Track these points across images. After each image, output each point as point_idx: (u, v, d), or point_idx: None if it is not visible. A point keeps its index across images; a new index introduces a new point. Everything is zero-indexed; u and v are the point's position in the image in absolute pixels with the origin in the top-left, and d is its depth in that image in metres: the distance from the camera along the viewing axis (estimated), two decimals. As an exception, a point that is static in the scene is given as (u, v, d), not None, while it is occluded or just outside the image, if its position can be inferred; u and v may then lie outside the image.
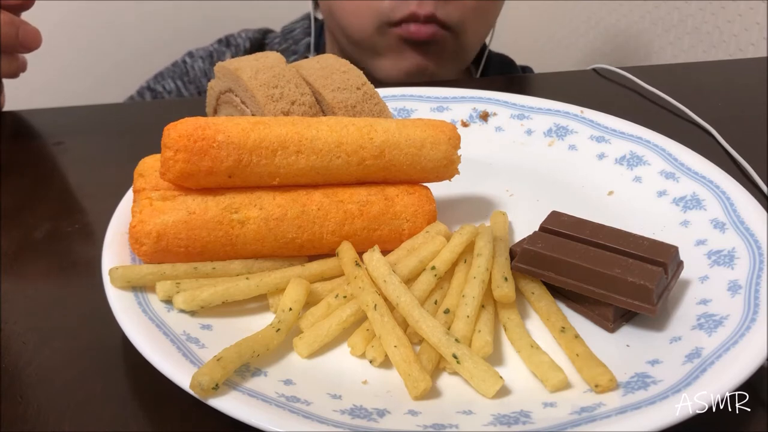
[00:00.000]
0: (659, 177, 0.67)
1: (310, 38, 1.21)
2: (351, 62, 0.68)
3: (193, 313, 0.51)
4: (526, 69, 1.31)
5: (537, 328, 0.52)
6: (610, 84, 0.98)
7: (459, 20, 1.01)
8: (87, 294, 0.56)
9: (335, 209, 0.56)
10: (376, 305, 0.49)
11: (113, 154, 0.81)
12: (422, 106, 0.82)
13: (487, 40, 1.20)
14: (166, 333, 0.48)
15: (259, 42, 1.28)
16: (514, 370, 0.48)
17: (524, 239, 0.56)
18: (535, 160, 0.74)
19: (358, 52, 1.07)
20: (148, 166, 0.58)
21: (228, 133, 0.53)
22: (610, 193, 0.68)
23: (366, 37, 1.03)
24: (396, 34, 1.00)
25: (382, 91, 0.80)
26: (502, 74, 1.25)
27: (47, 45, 0.84)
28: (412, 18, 0.98)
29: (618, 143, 0.73)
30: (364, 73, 0.67)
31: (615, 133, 0.74)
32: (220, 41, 1.29)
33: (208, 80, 1.07)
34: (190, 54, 1.27)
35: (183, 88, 1.24)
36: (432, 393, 0.46)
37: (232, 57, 1.21)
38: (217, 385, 0.43)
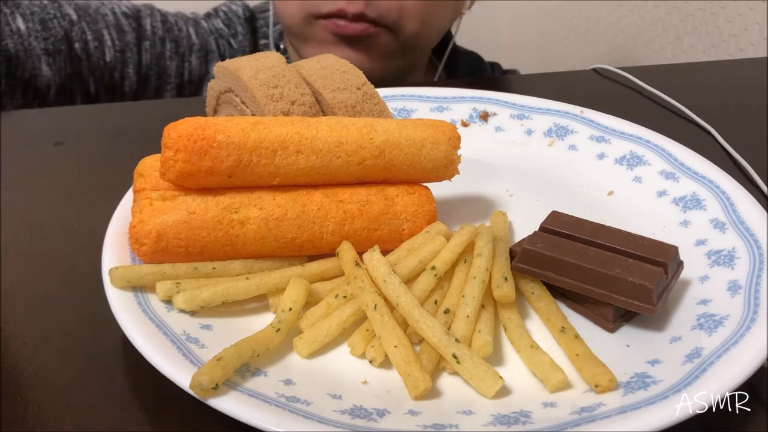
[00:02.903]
0: (659, 177, 0.67)
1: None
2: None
3: (193, 313, 0.51)
4: (494, 65, 1.31)
5: (537, 328, 0.52)
6: (610, 84, 0.98)
7: (396, 18, 0.98)
8: (87, 294, 0.56)
9: (335, 209, 0.56)
10: (376, 305, 0.49)
11: (113, 154, 0.81)
12: (422, 106, 0.82)
13: (453, 29, 1.18)
14: (166, 333, 0.48)
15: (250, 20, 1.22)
16: (514, 370, 0.48)
17: (524, 239, 0.56)
18: (535, 160, 0.74)
19: (290, 37, 1.06)
20: (148, 166, 0.58)
21: (228, 133, 0.53)
22: (610, 193, 0.68)
23: (294, 25, 1.02)
24: (323, 26, 0.98)
25: (382, 91, 0.80)
26: (470, 70, 1.24)
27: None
28: (340, 14, 0.96)
29: (618, 143, 0.73)
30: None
31: (615, 133, 0.74)
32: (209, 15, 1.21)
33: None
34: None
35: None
36: (432, 393, 0.46)
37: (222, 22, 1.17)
38: (217, 385, 0.43)
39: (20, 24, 0.98)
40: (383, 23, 0.98)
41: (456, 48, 1.24)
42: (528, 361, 0.48)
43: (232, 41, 1.16)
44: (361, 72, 0.67)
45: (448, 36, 1.20)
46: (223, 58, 1.14)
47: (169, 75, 1.12)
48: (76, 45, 1.03)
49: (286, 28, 1.05)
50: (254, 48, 1.18)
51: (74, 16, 1.04)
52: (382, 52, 1.02)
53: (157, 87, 1.12)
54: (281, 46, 1.17)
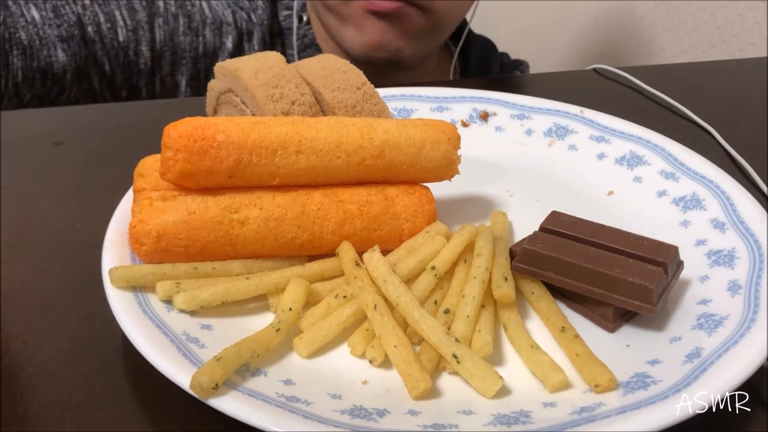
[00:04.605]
0: (659, 177, 0.67)
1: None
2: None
3: (193, 313, 0.51)
4: (504, 55, 1.31)
5: (537, 328, 0.52)
6: (610, 84, 0.98)
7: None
8: (87, 294, 0.56)
9: (335, 209, 0.56)
10: (376, 305, 0.49)
11: (113, 154, 0.81)
12: (422, 106, 0.82)
13: (468, 16, 1.20)
14: (166, 333, 0.48)
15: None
16: (514, 370, 0.48)
17: (524, 239, 0.57)
18: (535, 160, 0.74)
19: (328, 17, 1.08)
20: (148, 166, 0.58)
21: (228, 133, 0.53)
22: (610, 193, 0.68)
23: (332, 2, 1.04)
24: (359, 5, 1.01)
25: (382, 91, 0.80)
26: (483, 56, 1.25)
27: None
28: None
29: (618, 143, 0.73)
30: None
31: (615, 133, 0.74)
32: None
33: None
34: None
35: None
36: (432, 393, 0.46)
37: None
38: (217, 385, 0.43)
39: (34, 14, 1.00)
40: (416, 2, 1.00)
41: (470, 33, 1.25)
42: (528, 361, 0.48)
43: (252, 15, 1.18)
44: (361, 72, 0.67)
45: (463, 20, 1.21)
46: (239, 31, 1.16)
47: (183, 50, 1.13)
48: (89, 28, 1.05)
49: (326, 6, 1.06)
50: (274, 20, 1.19)
51: (87, 0, 1.06)
52: (413, 31, 1.04)
53: (173, 62, 1.14)
54: (304, 18, 1.18)
